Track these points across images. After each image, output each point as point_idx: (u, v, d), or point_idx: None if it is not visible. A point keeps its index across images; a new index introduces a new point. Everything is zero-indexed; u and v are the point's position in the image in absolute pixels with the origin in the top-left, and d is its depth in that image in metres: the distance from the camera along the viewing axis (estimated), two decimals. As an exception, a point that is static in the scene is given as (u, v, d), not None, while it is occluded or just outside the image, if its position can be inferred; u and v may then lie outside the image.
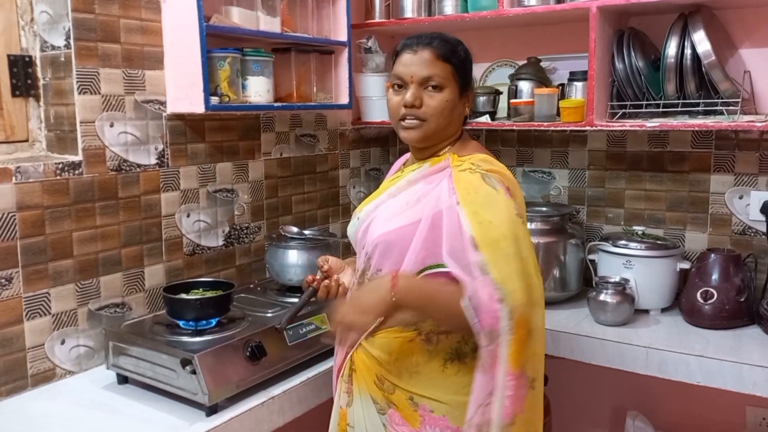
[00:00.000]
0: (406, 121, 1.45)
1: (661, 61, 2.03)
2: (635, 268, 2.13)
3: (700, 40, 1.95)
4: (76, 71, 1.71)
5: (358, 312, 1.34)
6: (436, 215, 1.36)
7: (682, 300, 2.12)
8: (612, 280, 2.11)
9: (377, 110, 2.54)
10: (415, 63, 1.43)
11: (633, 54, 2.07)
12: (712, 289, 2.03)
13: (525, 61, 2.40)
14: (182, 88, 1.88)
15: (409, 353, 1.41)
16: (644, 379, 1.99)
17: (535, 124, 2.21)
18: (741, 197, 2.20)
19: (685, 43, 1.98)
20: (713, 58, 1.93)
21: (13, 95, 1.73)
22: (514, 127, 2.33)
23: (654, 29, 2.17)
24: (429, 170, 1.45)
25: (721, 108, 1.98)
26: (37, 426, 1.50)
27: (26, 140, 1.78)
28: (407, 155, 1.67)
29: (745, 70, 2.05)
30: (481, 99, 2.38)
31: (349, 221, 2.64)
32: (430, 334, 1.41)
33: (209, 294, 1.75)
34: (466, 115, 1.53)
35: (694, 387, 1.86)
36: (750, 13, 2.08)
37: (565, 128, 2.22)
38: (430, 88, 1.42)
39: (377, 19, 2.51)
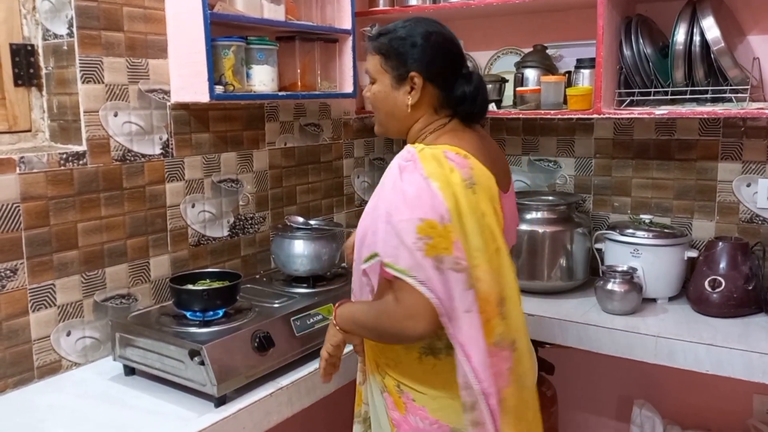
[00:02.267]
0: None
1: (669, 48, 2.01)
2: (642, 256, 2.12)
3: (709, 27, 1.93)
4: (79, 60, 1.69)
5: (326, 341, 1.50)
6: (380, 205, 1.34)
7: (689, 288, 2.11)
8: (619, 269, 2.10)
9: (381, 99, 2.51)
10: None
11: (641, 41, 2.05)
12: (719, 278, 2.02)
13: (531, 49, 2.38)
14: (186, 77, 1.86)
15: (390, 344, 1.42)
16: (650, 368, 1.99)
17: (542, 112, 2.19)
18: (749, 185, 2.18)
19: (694, 30, 1.97)
20: (722, 44, 1.92)
21: (16, 85, 1.71)
22: (520, 116, 2.31)
23: (662, 16, 2.15)
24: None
25: (729, 95, 1.96)
26: (43, 418, 1.49)
27: (29, 130, 1.76)
28: None
29: (754, 57, 2.04)
30: (487, 87, 2.35)
31: (353, 210, 2.66)
32: None
33: (216, 285, 1.74)
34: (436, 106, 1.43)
35: (701, 375, 1.86)
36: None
37: (572, 116, 2.20)
38: (370, 83, 1.48)
39: (381, 7, 2.49)
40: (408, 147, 1.37)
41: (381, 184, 1.37)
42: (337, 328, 1.46)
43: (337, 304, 1.48)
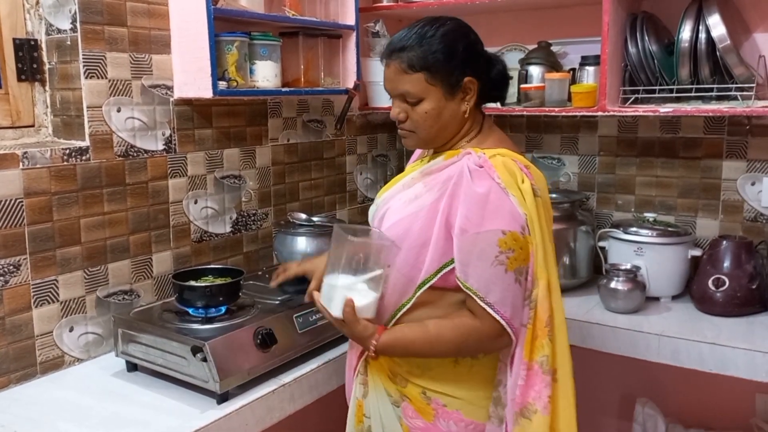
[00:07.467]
0: (400, 131, 1.42)
1: (674, 45, 2.00)
2: (646, 255, 2.11)
3: (715, 24, 1.92)
4: (83, 55, 1.68)
5: (349, 334, 1.38)
6: (451, 212, 1.31)
7: (693, 287, 2.10)
8: (623, 267, 2.09)
9: (384, 96, 2.44)
10: (388, 78, 1.38)
11: (646, 38, 2.04)
12: (723, 277, 2.01)
13: (535, 46, 2.37)
14: (190, 72, 1.85)
15: None
16: (653, 367, 1.98)
17: (546, 109, 2.18)
18: (753, 184, 2.17)
19: (700, 27, 1.96)
20: (728, 42, 1.91)
21: (19, 80, 1.71)
22: (524, 113, 2.30)
23: (668, 13, 2.14)
24: (443, 163, 1.39)
25: (735, 93, 1.95)
26: (46, 413, 1.49)
27: (32, 125, 1.76)
28: None
29: (760, 55, 2.02)
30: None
31: (355, 207, 2.65)
32: None
33: (218, 281, 1.74)
34: (484, 104, 1.45)
35: (704, 374, 1.85)
36: (765, -3, 2.05)
37: (576, 114, 2.19)
38: (408, 102, 1.36)
39: (385, 3, 2.48)
40: (472, 152, 1.34)
41: (436, 184, 1.35)
42: (373, 349, 1.35)
43: (376, 336, 1.34)
